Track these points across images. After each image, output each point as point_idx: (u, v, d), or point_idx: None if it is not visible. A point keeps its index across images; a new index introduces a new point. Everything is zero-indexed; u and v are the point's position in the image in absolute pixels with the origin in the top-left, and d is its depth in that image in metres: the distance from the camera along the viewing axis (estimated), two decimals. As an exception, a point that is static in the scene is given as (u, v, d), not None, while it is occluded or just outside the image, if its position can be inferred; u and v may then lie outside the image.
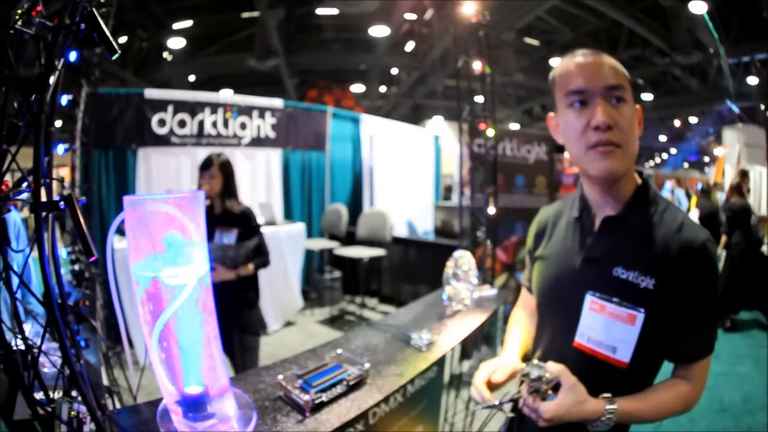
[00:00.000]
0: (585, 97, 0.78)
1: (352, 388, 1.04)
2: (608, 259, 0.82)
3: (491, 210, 2.88)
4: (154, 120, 4.09)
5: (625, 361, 0.79)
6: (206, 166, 2.19)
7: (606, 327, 0.80)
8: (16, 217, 1.38)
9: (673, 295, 0.77)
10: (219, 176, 2.20)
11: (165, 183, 4.04)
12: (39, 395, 0.70)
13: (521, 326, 1.06)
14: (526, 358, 0.98)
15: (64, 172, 3.24)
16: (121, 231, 0.71)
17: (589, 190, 0.87)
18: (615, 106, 0.77)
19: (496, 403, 0.82)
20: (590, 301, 0.82)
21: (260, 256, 2.27)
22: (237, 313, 2.19)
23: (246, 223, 2.23)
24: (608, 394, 0.77)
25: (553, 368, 0.77)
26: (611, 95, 0.77)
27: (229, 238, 2.17)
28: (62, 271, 0.86)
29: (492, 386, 0.86)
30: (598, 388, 0.78)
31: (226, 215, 2.21)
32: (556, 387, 0.76)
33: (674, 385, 0.82)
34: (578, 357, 0.83)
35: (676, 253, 0.77)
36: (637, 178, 0.85)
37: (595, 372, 0.81)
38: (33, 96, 0.65)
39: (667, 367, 0.87)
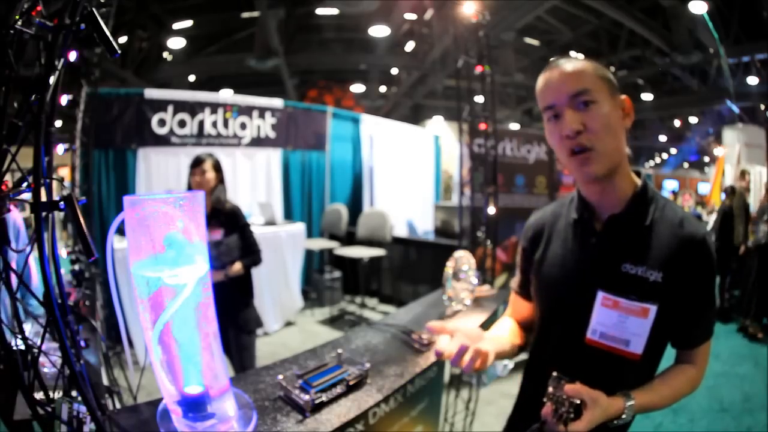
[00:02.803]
0: (555, 110, 0.83)
1: (352, 388, 1.04)
2: (616, 257, 0.84)
3: (491, 210, 2.87)
4: (154, 120, 4.09)
5: (638, 353, 0.82)
6: (198, 162, 2.20)
7: (619, 322, 0.82)
8: (16, 217, 1.37)
9: (679, 287, 0.81)
10: (212, 172, 2.20)
11: (165, 183, 4.04)
12: (39, 395, 0.70)
13: (506, 326, 1.06)
14: (501, 357, 0.96)
15: (64, 172, 3.24)
16: (121, 231, 0.71)
17: (586, 192, 0.90)
18: (584, 110, 0.80)
19: None
20: (602, 297, 0.84)
21: (250, 255, 2.24)
22: (231, 313, 2.18)
23: (233, 222, 2.21)
24: (625, 391, 0.80)
25: (572, 390, 0.76)
26: (577, 101, 0.80)
27: (214, 237, 2.15)
28: (62, 271, 0.86)
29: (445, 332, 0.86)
30: (611, 382, 0.81)
31: (215, 214, 2.18)
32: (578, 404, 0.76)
33: (682, 371, 0.87)
34: (591, 353, 0.85)
35: (680, 246, 0.81)
36: (636, 179, 0.88)
37: (609, 366, 0.84)
38: (33, 96, 0.65)
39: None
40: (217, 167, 2.24)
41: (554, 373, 0.79)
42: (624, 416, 0.78)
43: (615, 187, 0.85)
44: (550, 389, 0.77)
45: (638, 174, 0.89)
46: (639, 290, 0.81)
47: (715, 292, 0.85)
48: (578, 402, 0.75)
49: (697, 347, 0.86)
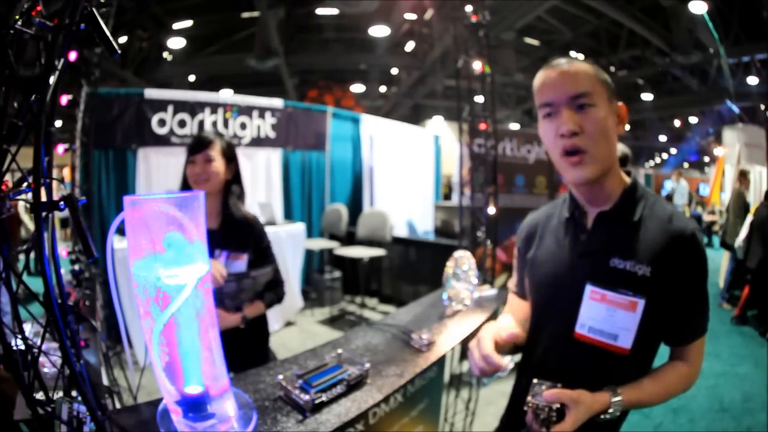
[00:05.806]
0: (552, 108, 0.83)
1: (352, 388, 1.04)
2: (604, 251, 0.85)
3: (491, 210, 2.87)
4: (154, 120, 4.09)
5: (627, 347, 0.82)
6: (201, 144, 1.43)
7: (607, 316, 0.83)
8: None
9: (669, 281, 0.81)
10: (221, 161, 1.44)
11: (165, 183, 4.04)
12: (39, 395, 0.70)
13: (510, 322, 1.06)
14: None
15: (64, 172, 3.24)
16: (121, 231, 0.71)
17: (577, 192, 0.91)
18: (582, 112, 0.81)
19: None
20: (590, 291, 0.85)
21: (272, 288, 1.56)
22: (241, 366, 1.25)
23: (249, 240, 1.50)
24: (612, 386, 0.80)
25: (551, 395, 0.77)
26: (576, 103, 0.81)
27: (239, 265, 1.46)
28: (62, 271, 0.86)
29: (498, 348, 0.88)
30: (601, 377, 0.82)
31: (229, 227, 1.48)
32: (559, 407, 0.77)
33: (674, 368, 0.87)
34: (580, 348, 0.86)
35: (668, 241, 0.82)
36: (626, 178, 0.90)
37: (598, 361, 0.84)
38: (33, 96, 0.65)
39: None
40: (228, 154, 1.50)
41: (534, 380, 0.80)
42: (611, 411, 0.78)
43: (604, 187, 0.87)
44: (530, 397, 0.78)
45: (629, 174, 0.91)
46: (627, 284, 0.82)
47: (706, 288, 0.85)
48: (559, 406, 0.76)
49: (690, 344, 0.86)
